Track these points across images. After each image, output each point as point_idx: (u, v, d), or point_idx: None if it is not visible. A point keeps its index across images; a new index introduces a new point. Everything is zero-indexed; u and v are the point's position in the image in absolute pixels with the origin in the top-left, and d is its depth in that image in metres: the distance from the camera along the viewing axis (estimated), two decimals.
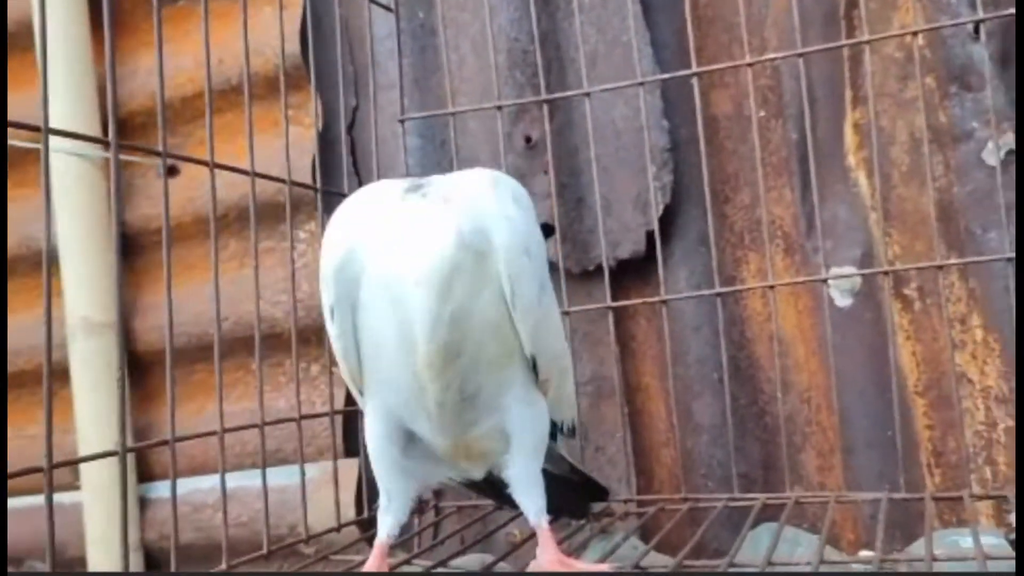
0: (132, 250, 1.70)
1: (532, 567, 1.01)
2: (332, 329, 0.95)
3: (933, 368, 1.32)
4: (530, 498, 1.00)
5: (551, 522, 1.00)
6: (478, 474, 1.09)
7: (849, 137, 1.38)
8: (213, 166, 1.15)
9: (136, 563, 1.59)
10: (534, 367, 0.96)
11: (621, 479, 1.41)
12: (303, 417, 1.29)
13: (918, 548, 1.15)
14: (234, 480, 1.55)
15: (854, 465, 1.33)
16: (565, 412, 1.09)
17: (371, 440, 1.00)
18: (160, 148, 1.07)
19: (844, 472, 1.33)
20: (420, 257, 0.88)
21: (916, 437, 1.31)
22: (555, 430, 1.09)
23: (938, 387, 1.32)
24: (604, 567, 0.98)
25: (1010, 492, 1.18)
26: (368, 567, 1.01)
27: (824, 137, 1.37)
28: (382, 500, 1.02)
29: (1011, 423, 1.27)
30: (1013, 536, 1.00)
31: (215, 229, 1.17)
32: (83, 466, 1.62)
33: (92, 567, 1.58)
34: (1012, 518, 1.14)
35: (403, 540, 1.04)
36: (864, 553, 1.24)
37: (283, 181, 1.31)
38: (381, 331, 0.92)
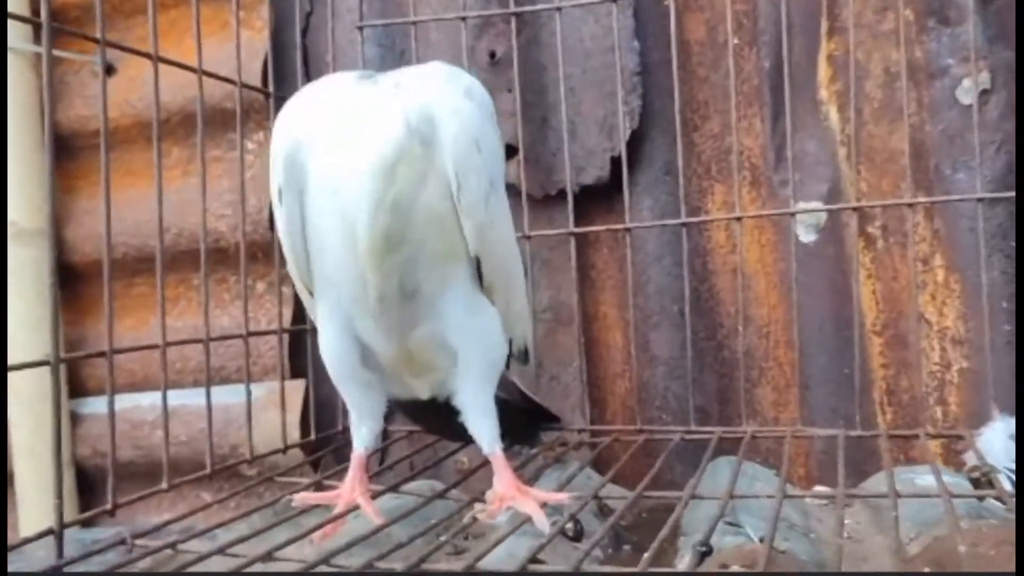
0: (65, 153, 1.60)
1: (489, 495, 0.99)
2: (279, 215, 0.93)
3: (892, 307, 1.31)
4: (484, 426, 0.98)
5: (503, 450, 0.98)
6: (423, 392, 1.05)
7: (823, 69, 1.35)
8: (157, 59, 1.07)
9: (68, 479, 1.52)
10: (479, 271, 0.93)
11: (575, 408, 1.39)
12: (251, 334, 1.24)
13: (873, 484, 1.15)
14: (175, 398, 1.49)
15: (809, 401, 1.32)
16: (515, 329, 1.05)
17: (328, 352, 0.97)
18: (98, 35, 0.98)
19: (799, 408, 1.32)
20: (365, 141, 0.86)
21: (871, 375, 1.31)
22: (508, 358, 1.06)
23: (895, 326, 1.31)
24: (562, 496, 0.96)
25: (965, 431, 1.19)
26: (350, 480, 0.99)
27: (797, 68, 1.33)
28: (352, 412, 1.00)
29: (965, 364, 1.28)
30: (975, 476, 1.00)
31: (157, 131, 1.09)
32: (11, 376, 1.53)
33: (19, 479, 1.52)
34: (966, 457, 1.15)
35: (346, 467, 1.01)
36: (820, 488, 1.25)
37: (232, 82, 1.23)
38: (326, 217, 0.90)
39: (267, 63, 1.37)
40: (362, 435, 1.00)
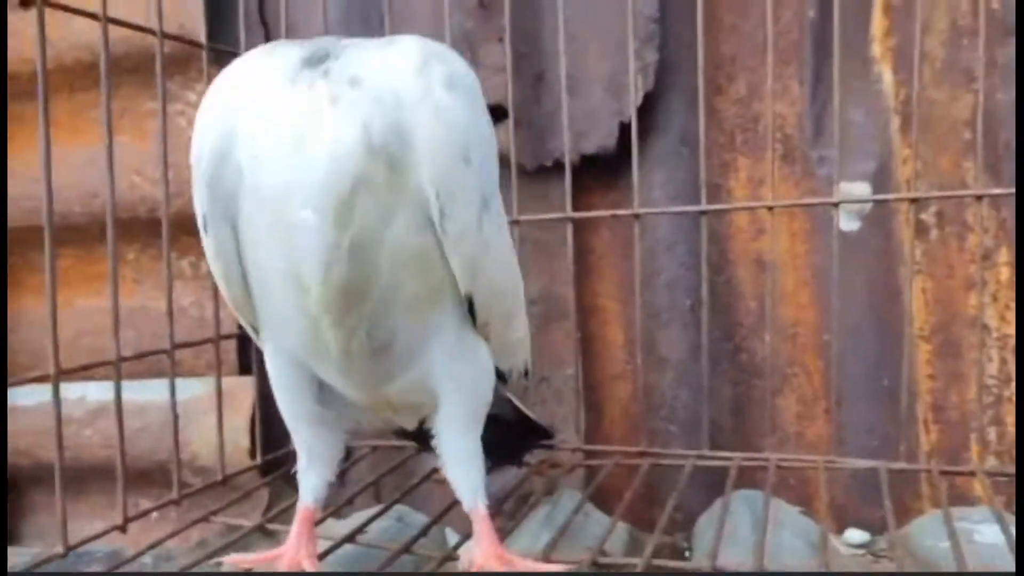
0: None
1: (464, 560, 0.80)
2: (206, 244, 0.71)
3: (944, 309, 1.12)
4: (465, 475, 0.80)
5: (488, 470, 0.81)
6: (409, 425, 0.89)
7: (877, 20, 1.12)
8: (43, 3, 0.85)
9: None
10: (471, 308, 0.73)
11: (567, 417, 1.19)
12: (176, 347, 1.03)
13: (921, 531, 0.98)
14: (106, 393, 1.30)
15: (840, 417, 1.13)
16: (515, 359, 0.86)
17: (278, 390, 0.78)
18: None
19: (828, 424, 1.13)
20: (311, 168, 0.63)
21: (915, 388, 1.12)
22: (502, 378, 0.87)
23: (946, 331, 1.12)
24: (556, 567, 0.78)
25: None
26: (294, 538, 0.81)
27: (846, 18, 1.10)
28: (300, 456, 0.81)
29: None
30: None
31: (44, 85, 0.87)
32: None
33: None
34: None
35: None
36: (853, 533, 1.06)
37: (151, 32, 1.00)
38: (266, 259, 0.68)
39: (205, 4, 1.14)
40: (310, 486, 0.81)
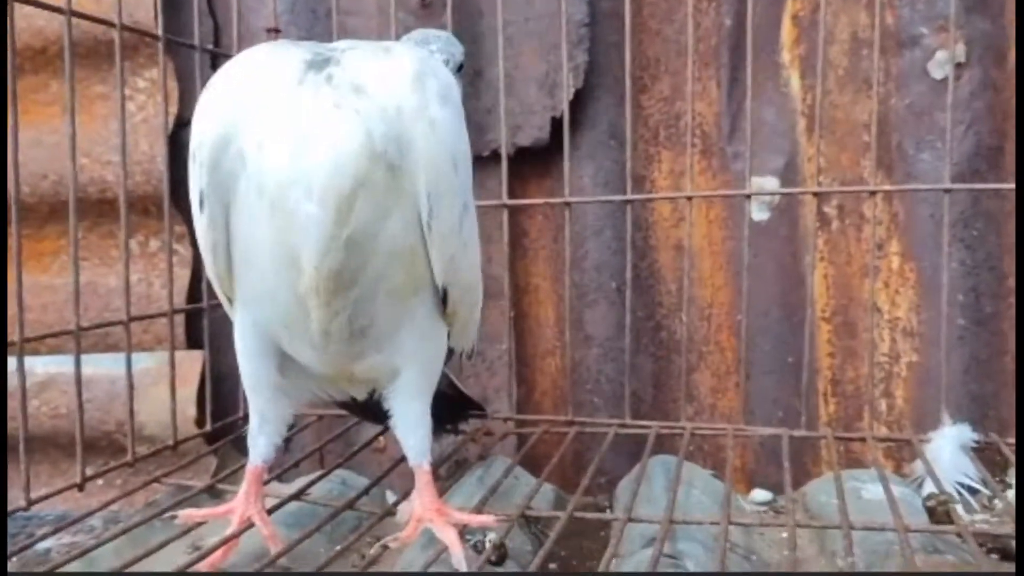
0: None
1: (403, 511, 0.88)
2: (199, 224, 0.77)
3: (843, 293, 1.23)
4: (414, 437, 0.87)
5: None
6: (360, 395, 0.95)
7: (787, 30, 1.23)
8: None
9: None
10: (444, 299, 0.81)
11: (500, 389, 1.28)
12: (132, 319, 1.08)
13: (817, 489, 1.09)
14: (55, 364, 1.34)
15: (750, 389, 1.24)
16: (467, 341, 0.94)
17: (243, 357, 0.84)
18: None
19: (739, 396, 1.24)
20: (316, 166, 0.69)
21: (817, 364, 1.23)
22: (450, 354, 0.94)
23: (845, 313, 1.23)
24: (487, 519, 0.86)
25: (912, 435, 1.12)
26: (243, 495, 0.87)
27: (759, 27, 1.20)
28: (253, 420, 0.87)
29: (915, 358, 1.21)
30: (932, 504, 0.94)
31: (13, 77, 0.91)
32: None
33: None
34: (913, 467, 1.09)
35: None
36: (760, 494, 1.17)
37: (111, 24, 1.05)
38: (258, 242, 0.74)
39: None
40: (259, 446, 0.87)
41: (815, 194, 1.14)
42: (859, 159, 1.21)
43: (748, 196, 1.15)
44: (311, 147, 0.69)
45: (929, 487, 1.00)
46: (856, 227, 1.22)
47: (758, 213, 1.23)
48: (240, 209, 0.74)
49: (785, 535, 0.99)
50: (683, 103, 1.23)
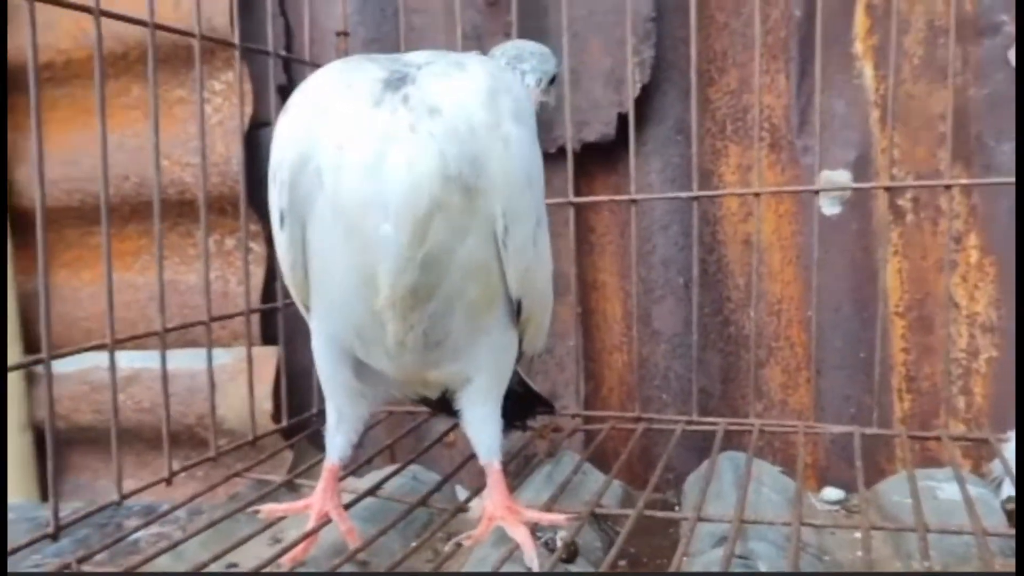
0: (13, 88, 1.45)
1: (474, 507, 0.90)
2: (280, 238, 0.79)
3: (918, 288, 1.20)
4: (485, 436, 0.88)
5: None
6: (432, 395, 0.97)
7: (859, 19, 1.20)
8: (99, 14, 0.92)
9: (23, 444, 1.43)
10: (517, 309, 0.82)
11: (568, 384, 1.29)
12: (213, 319, 1.12)
13: (890, 490, 1.07)
14: (138, 360, 1.40)
15: (821, 385, 1.22)
16: (538, 344, 0.95)
17: (320, 361, 0.87)
18: None
19: (810, 392, 1.22)
20: (391, 189, 0.70)
21: (891, 360, 1.21)
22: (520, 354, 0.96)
23: (920, 308, 1.21)
24: (558, 518, 0.87)
25: (990, 433, 1.10)
26: (320, 492, 0.90)
27: (830, 17, 1.18)
28: (331, 419, 0.90)
29: (995, 353, 1.18)
30: (1011, 508, 0.92)
31: (101, 90, 0.94)
32: None
33: None
34: (992, 467, 1.06)
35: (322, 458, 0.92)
36: (832, 492, 1.16)
37: (191, 35, 1.08)
38: (334, 259, 0.76)
39: (232, 4, 1.20)
40: (337, 444, 0.90)
41: (887, 189, 1.12)
42: (935, 151, 1.18)
43: (816, 192, 1.13)
44: (387, 170, 0.70)
45: (1008, 488, 0.97)
46: (932, 220, 1.19)
47: (829, 207, 1.22)
48: (317, 227, 0.76)
49: (858, 535, 0.98)
50: (751, 96, 1.22)
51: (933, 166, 1.18)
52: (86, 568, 0.83)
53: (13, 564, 1.00)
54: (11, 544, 0.84)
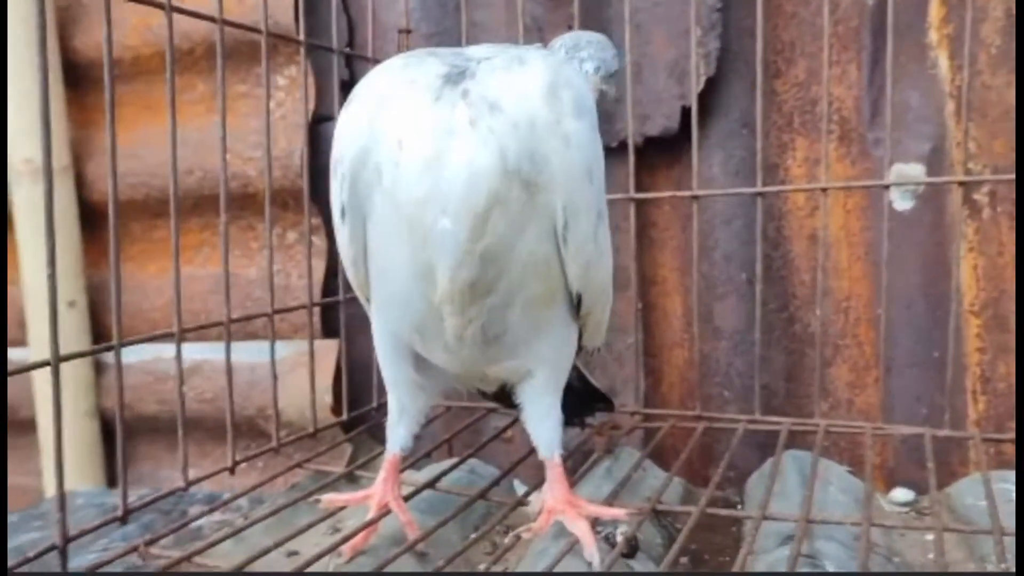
0: (84, 83, 1.48)
1: (533, 501, 0.89)
2: (341, 232, 0.80)
3: (994, 285, 1.16)
4: (545, 431, 0.88)
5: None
6: (491, 389, 0.98)
7: (934, 8, 1.16)
8: (171, 9, 0.93)
9: (91, 431, 1.46)
10: (577, 303, 0.81)
11: (628, 381, 1.27)
12: (276, 312, 1.12)
13: (962, 492, 1.03)
14: (199, 352, 1.41)
15: (890, 385, 1.19)
16: (598, 339, 0.94)
17: (382, 356, 0.88)
18: None
19: (879, 392, 1.19)
20: (450, 184, 0.69)
21: (964, 360, 1.17)
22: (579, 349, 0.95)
23: (996, 307, 1.16)
24: (618, 512, 0.86)
25: None
26: (381, 483, 0.91)
27: (904, 6, 1.14)
28: (392, 411, 0.91)
29: None
30: None
31: (171, 81, 0.95)
32: (31, 321, 1.47)
33: (42, 430, 1.46)
34: None
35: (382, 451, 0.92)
36: (899, 492, 1.12)
37: (257, 31, 1.09)
38: (393, 253, 0.76)
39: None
40: (399, 436, 0.90)
41: (961, 184, 1.08)
42: (1014, 144, 1.14)
43: (887, 187, 1.10)
44: (446, 165, 0.69)
45: None
46: (1009, 215, 1.15)
47: (901, 202, 1.18)
48: (376, 221, 0.76)
49: (930, 537, 0.95)
50: (819, 88, 1.19)
51: (1011, 160, 1.14)
52: (153, 551, 0.84)
53: (82, 546, 1.02)
54: (80, 527, 0.86)
